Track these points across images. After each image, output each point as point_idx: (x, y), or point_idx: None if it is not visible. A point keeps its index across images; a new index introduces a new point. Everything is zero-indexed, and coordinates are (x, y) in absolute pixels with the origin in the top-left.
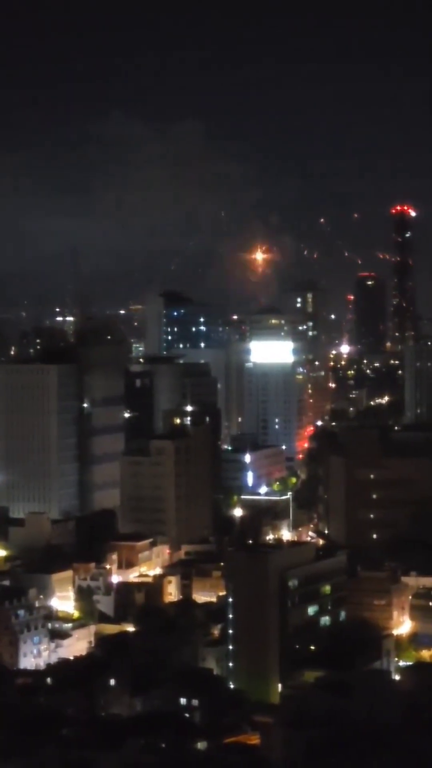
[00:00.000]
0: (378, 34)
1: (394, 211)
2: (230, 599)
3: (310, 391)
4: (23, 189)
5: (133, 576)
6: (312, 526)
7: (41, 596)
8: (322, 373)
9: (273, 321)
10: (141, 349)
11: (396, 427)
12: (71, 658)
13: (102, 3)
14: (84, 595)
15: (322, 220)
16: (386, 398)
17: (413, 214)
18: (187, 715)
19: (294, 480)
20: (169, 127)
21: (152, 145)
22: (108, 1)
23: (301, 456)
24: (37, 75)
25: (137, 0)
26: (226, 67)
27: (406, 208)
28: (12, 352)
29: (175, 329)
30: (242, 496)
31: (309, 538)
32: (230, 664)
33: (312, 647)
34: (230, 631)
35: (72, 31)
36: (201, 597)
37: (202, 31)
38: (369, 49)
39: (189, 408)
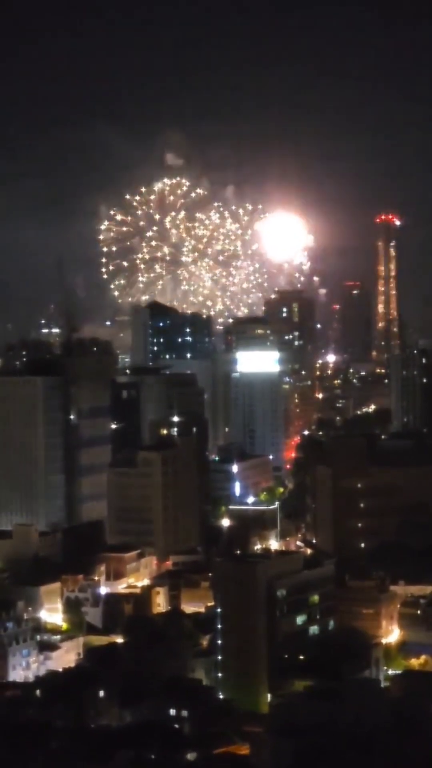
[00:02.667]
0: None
1: (378, 220)
2: (219, 609)
3: (296, 400)
4: (3, 199)
5: (121, 587)
6: (300, 535)
7: (29, 608)
8: (309, 382)
9: (259, 331)
10: (127, 360)
11: (383, 436)
12: (60, 670)
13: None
14: (72, 607)
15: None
16: (373, 407)
17: (398, 223)
18: (176, 725)
19: (281, 490)
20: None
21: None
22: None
23: (288, 466)
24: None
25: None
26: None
27: (390, 216)
28: None
29: (161, 340)
30: (230, 507)
31: (297, 548)
32: (219, 675)
33: (301, 656)
34: (219, 642)
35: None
36: (189, 607)
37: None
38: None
39: (176, 419)
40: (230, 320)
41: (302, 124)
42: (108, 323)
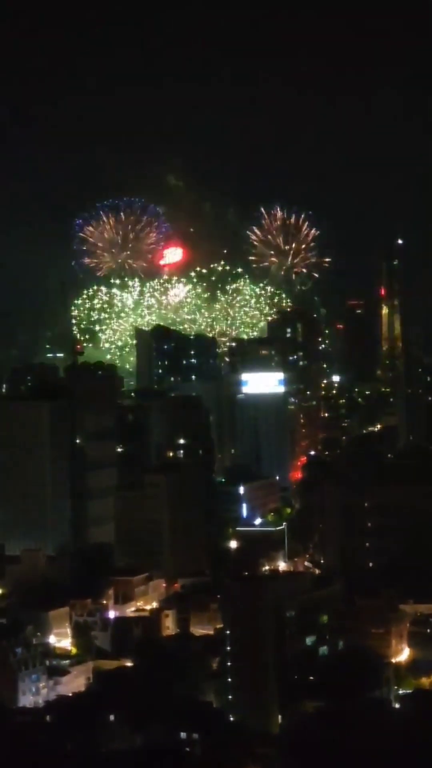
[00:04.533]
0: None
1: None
2: (228, 631)
3: (302, 420)
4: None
5: (129, 611)
6: (308, 555)
7: (38, 633)
8: (314, 402)
9: (263, 352)
10: (132, 383)
11: (389, 455)
12: (70, 694)
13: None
14: (81, 631)
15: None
16: (378, 426)
17: (400, 241)
18: (187, 749)
19: (288, 510)
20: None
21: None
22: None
23: (295, 486)
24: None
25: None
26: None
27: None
28: (3, 390)
29: (166, 362)
30: (237, 528)
31: (305, 568)
32: (229, 697)
33: (311, 677)
34: (228, 664)
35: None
36: (198, 630)
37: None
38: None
39: (181, 441)
40: (233, 342)
41: (301, 140)
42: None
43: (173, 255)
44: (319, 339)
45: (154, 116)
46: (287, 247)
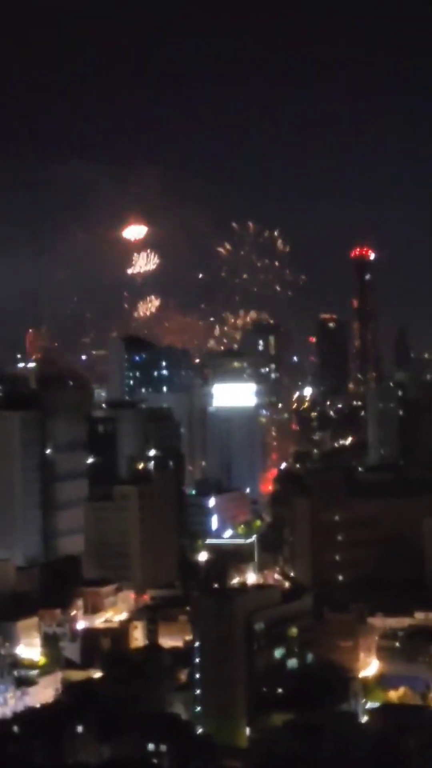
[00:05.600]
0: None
1: (353, 254)
2: (197, 643)
3: (273, 433)
4: None
5: (99, 622)
6: (277, 568)
7: (7, 644)
8: (286, 415)
9: (235, 364)
10: (103, 394)
11: (360, 468)
12: (38, 705)
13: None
14: (50, 642)
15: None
16: (350, 439)
17: (372, 256)
18: (155, 761)
19: (259, 523)
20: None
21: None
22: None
23: (265, 499)
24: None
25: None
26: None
27: (365, 250)
28: None
29: (137, 374)
30: (207, 540)
31: (274, 581)
32: (198, 709)
33: (279, 690)
34: (197, 676)
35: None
36: (167, 642)
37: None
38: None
39: (152, 453)
40: (205, 353)
41: (278, 157)
42: (83, 357)
43: (137, 232)
44: (291, 352)
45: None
46: (259, 264)
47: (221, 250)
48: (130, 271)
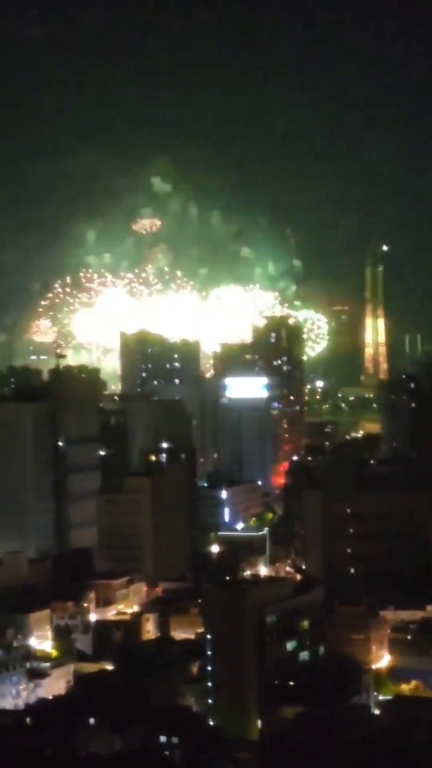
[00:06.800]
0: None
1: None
2: (208, 636)
3: (285, 426)
4: None
5: (110, 614)
6: (289, 561)
7: (19, 636)
8: (297, 407)
9: (247, 356)
10: (113, 387)
11: (372, 461)
12: (50, 697)
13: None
14: (62, 634)
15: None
16: (361, 432)
17: (385, 248)
18: (166, 753)
19: (270, 515)
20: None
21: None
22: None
23: (277, 491)
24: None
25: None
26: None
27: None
28: None
29: (149, 366)
30: (219, 533)
31: (286, 574)
32: (209, 701)
33: (291, 683)
34: (209, 668)
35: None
36: (179, 634)
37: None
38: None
39: (164, 445)
40: (218, 346)
41: (290, 148)
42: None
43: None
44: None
45: (146, 119)
46: None
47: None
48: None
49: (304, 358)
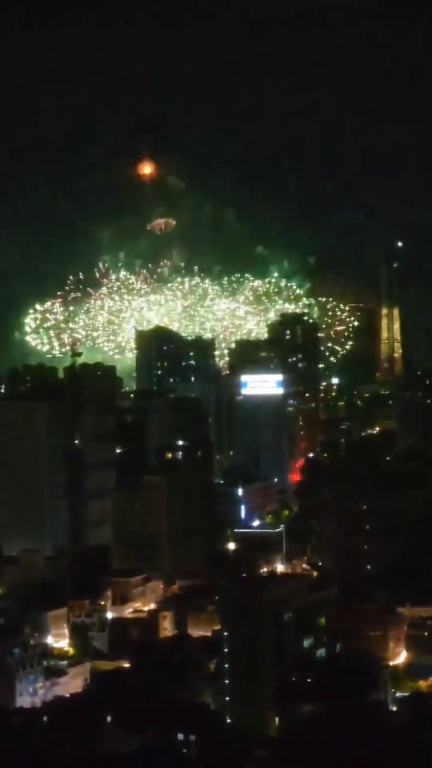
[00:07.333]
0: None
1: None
2: (225, 633)
3: (301, 422)
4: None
5: (127, 612)
6: (305, 558)
7: (36, 634)
8: (313, 404)
9: (263, 353)
10: (128, 385)
11: (387, 458)
12: (67, 695)
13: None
14: (79, 632)
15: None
16: (377, 429)
17: (400, 244)
18: (184, 751)
19: (287, 512)
20: None
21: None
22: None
23: (293, 488)
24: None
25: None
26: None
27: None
28: (2, 390)
29: (165, 363)
30: (235, 530)
31: (303, 571)
32: (227, 699)
33: (308, 680)
34: (226, 666)
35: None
36: (196, 632)
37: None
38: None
39: (180, 442)
40: (233, 343)
41: (305, 146)
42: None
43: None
44: (319, 341)
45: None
46: None
47: None
48: None
49: (333, 360)
